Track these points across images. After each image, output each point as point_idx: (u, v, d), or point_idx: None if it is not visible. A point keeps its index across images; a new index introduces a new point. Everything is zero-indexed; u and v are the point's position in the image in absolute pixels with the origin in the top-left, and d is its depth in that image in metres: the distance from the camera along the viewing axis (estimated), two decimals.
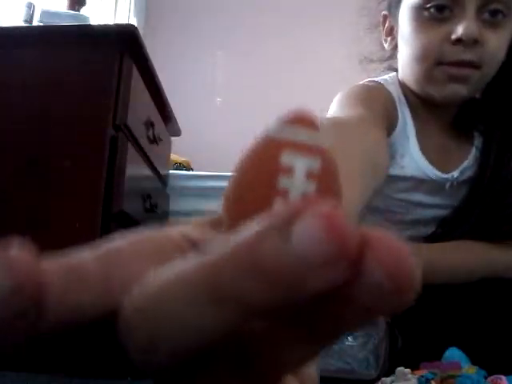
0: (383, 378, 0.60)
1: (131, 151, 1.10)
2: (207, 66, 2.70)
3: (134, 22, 2.40)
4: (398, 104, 0.71)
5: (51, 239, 0.96)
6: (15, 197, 1.00)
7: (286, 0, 2.76)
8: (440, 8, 0.64)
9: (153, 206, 1.24)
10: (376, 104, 0.65)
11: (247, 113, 2.56)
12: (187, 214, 1.55)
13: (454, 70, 0.66)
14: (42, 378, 0.84)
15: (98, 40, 1.09)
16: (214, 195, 1.57)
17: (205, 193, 1.57)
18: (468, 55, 0.64)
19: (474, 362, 0.66)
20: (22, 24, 1.26)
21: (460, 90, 0.67)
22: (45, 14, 1.23)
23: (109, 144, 1.02)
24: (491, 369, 0.62)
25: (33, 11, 1.27)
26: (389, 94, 0.71)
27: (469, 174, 0.72)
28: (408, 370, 0.58)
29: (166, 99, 1.39)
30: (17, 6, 1.39)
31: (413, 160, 0.71)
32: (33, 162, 1.01)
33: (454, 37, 0.63)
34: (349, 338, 0.80)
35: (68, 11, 1.32)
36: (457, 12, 0.63)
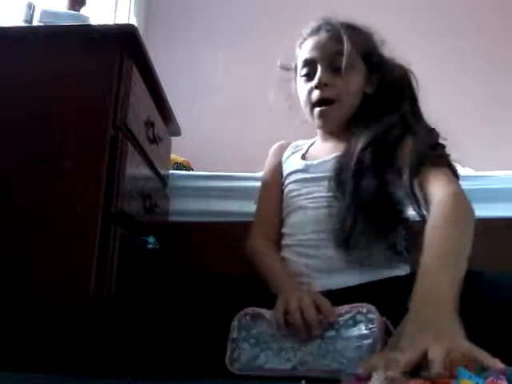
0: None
1: (131, 151, 1.10)
2: (207, 66, 2.70)
3: (133, 22, 2.40)
4: (300, 143, 1.21)
5: (51, 239, 0.96)
6: (15, 197, 1.00)
7: (287, 0, 2.76)
8: (307, 74, 1.08)
9: (153, 206, 1.24)
10: (274, 153, 1.23)
11: (247, 113, 2.56)
12: (187, 214, 1.55)
13: (320, 111, 1.06)
14: (42, 378, 0.84)
15: (98, 40, 1.08)
16: (214, 195, 1.57)
17: (205, 193, 1.57)
18: (326, 93, 1.04)
19: None
20: (22, 24, 1.25)
21: (326, 124, 1.09)
22: (45, 13, 1.23)
23: (109, 144, 1.02)
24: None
25: (33, 11, 1.26)
26: (285, 145, 1.23)
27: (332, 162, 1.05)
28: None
29: (166, 99, 1.39)
30: (17, 6, 1.39)
31: (295, 159, 1.15)
32: (32, 161, 1.01)
33: (312, 84, 1.05)
34: (343, 339, 0.80)
35: (68, 11, 1.32)
36: (315, 74, 1.05)
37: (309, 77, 1.08)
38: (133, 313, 0.92)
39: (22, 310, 0.93)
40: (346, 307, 0.83)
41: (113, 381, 0.82)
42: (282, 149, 1.22)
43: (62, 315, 0.92)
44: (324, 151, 1.12)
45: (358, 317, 0.80)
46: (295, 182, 1.10)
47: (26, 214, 0.98)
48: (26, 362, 0.91)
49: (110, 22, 2.18)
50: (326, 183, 1.02)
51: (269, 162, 1.22)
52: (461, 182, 1.45)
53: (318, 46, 1.07)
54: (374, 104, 1.08)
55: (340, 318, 0.82)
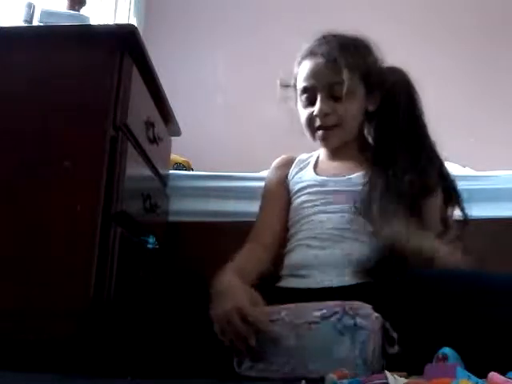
0: None
1: (131, 151, 1.10)
2: (207, 66, 2.70)
3: (133, 22, 2.40)
4: (304, 157, 1.21)
5: (51, 239, 0.96)
6: (15, 197, 1.00)
7: (287, 0, 2.76)
8: (307, 100, 1.08)
9: (153, 206, 1.24)
10: (279, 166, 1.22)
11: (247, 113, 2.56)
12: (187, 213, 1.55)
13: (322, 134, 1.08)
14: (42, 378, 0.84)
15: (98, 40, 1.09)
16: (214, 195, 1.57)
17: (205, 193, 1.57)
18: (327, 121, 1.06)
19: (466, 362, 0.67)
20: (22, 24, 1.25)
21: (328, 145, 1.12)
22: (45, 14, 1.23)
23: (109, 144, 1.02)
24: (484, 369, 0.62)
25: (33, 11, 1.26)
26: (289, 160, 1.22)
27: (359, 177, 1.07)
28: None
29: (166, 99, 1.39)
30: (17, 6, 1.39)
31: (307, 175, 1.14)
32: (33, 162, 1.01)
33: (313, 110, 1.06)
34: (338, 339, 0.80)
35: (68, 11, 1.32)
36: (315, 99, 1.06)
37: (309, 102, 1.08)
38: (133, 313, 0.92)
39: (22, 309, 0.93)
40: (339, 304, 0.82)
41: (113, 381, 0.82)
42: (286, 164, 1.21)
43: (62, 315, 0.93)
44: (336, 169, 1.12)
45: (356, 318, 0.80)
46: (309, 193, 1.10)
47: (27, 214, 0.98)
48: (25, 361, 0.91)
49: (110, 22, 2.18)
50: (345, 195, 1.04)
51: (273, 175, 1.21)
52: (461, 182, 1.45)
53: (316, 74, 1.06)
54: (379, 119, 1.10)
55: (334, 317, 0.81)
